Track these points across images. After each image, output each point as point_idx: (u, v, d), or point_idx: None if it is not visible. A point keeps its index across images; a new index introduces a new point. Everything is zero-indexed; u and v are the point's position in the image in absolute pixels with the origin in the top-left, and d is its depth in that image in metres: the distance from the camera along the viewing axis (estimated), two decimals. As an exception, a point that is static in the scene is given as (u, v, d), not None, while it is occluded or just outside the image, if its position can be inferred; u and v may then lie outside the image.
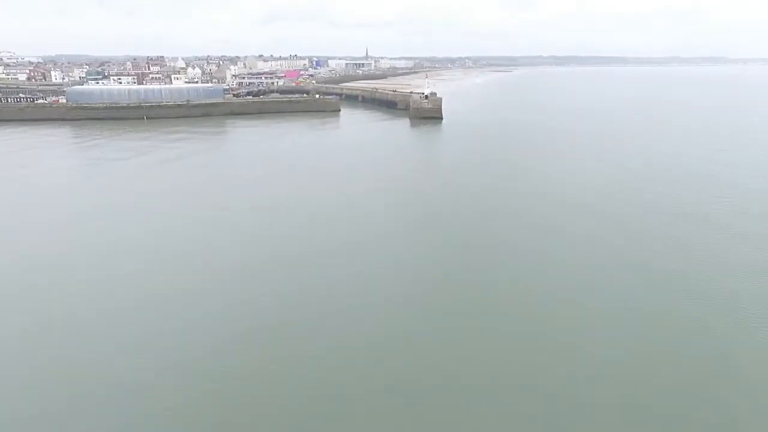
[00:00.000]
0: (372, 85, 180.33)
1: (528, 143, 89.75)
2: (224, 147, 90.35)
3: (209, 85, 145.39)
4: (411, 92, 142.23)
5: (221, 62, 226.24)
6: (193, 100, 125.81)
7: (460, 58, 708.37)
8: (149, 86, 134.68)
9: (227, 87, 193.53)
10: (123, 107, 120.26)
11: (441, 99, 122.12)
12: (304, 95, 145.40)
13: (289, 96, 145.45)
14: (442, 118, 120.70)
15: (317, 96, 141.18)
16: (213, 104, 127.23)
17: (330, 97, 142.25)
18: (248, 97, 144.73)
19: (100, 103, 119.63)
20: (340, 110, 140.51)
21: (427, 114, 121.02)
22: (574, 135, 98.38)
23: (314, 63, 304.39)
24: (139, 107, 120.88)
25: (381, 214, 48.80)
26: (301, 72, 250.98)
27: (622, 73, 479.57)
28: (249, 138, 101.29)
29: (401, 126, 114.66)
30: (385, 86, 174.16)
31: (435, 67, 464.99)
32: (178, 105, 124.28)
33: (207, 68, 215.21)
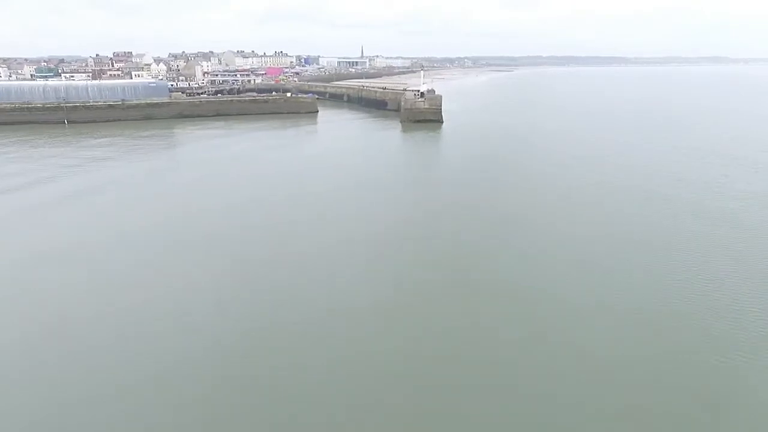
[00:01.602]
0: (359, 83, 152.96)
1: (558, 157, 62.58)
2: (157, 174, 61.79)
3: (150, 80, 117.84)
4: (404, 89, 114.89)
5: (191, 58, 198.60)
6: (129, 99, 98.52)
7: (459, 58, 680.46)
8: (73, 82, 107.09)
9: (196, 85, 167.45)
10: (37, 108, 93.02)
11: (441, 97, 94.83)
12: (273, 93, 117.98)
13: (256, 95, 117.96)
14: (441, 121, 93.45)
15: (289, 95, 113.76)
16: (155, 104, 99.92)
17: (305, 96, 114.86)
18: (202, 95, 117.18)
19: (6, 104, 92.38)
20: (317, 111, 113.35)
21: (423, 116, 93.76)
22: (607, 143, 71.31)
23: (302, 61, 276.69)
24: (58, 108, 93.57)
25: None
26: (285, 70, 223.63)
27: (624, 73, 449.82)
28: (187, 157, 74.11)
29: (390, 132, 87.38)
30: (375, 84, 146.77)
31: (434, 67, 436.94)
32: (110, 106, 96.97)
33: (174, 64, 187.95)
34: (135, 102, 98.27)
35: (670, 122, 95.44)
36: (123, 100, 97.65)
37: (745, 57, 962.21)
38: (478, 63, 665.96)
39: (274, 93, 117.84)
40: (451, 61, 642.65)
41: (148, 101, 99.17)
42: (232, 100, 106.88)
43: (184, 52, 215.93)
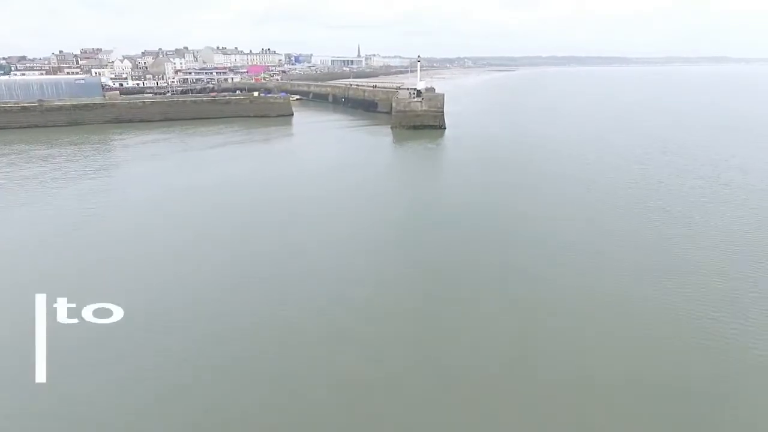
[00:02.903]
0: (347, 82, 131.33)
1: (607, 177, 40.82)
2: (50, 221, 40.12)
3: (78, 76, 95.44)
4: (397, 87, 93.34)
5: (160, 54, 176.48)
6: (50, 99, 76.68)
7: (459, 59, 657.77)
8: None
9: (165, 84, 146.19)
10: (-75, 112, 71.27)
11: (443, 97, 73.20)
12: (238, 93, 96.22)
13: (213, 95, 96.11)
14: (443, 127, 71.98)
15: (256, 93, 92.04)
16: (84, 107, 78.10)
17: (277, 96, 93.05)
18: (148, 94, 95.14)
19: None
20: (292, 114, 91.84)
21: (420, 121, 72.19)
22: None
23: (292, 59, 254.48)
24: (-48, 112, 71.82)
25: None
26: (272, 68, 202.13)
27: (627, 73, 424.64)
28: (101, 194, 52.18)
29: (377, 142, 65.87)
30: (364, 82, 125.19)
31: (433, 66, 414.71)
32: (24, 108, 75.12)
33: (142, 61, 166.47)
34: (58, 103, 76.41)
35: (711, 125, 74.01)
36: (41, 100, 75.75)
37: (746, 57, 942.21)
38: (478, 63, 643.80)
39: (238, 92, 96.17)
40: (450, 61, 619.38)
41: (75, 102, 77.25)
42: (185, 101, 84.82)
43: (161, 48, 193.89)
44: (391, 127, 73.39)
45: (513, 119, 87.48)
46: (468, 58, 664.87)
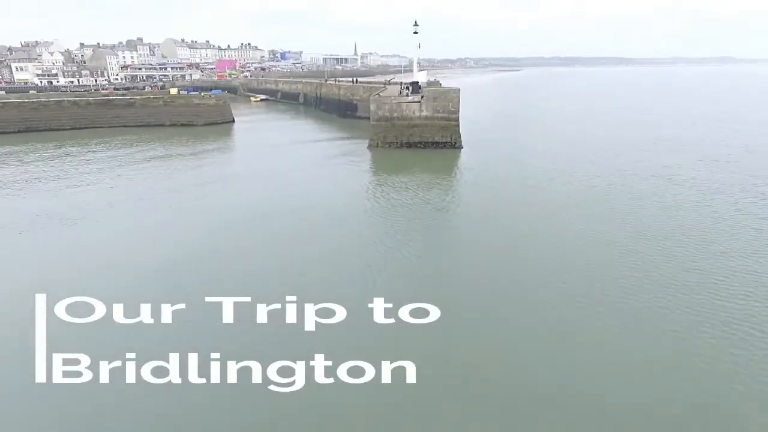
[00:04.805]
0: (321, 79, 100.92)
1: None
2: None
3: None
4: (387, 82, 62.87)
5: (100, 45, 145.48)
6: None
7: (461, 59, 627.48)
8: None
9: (106, 82, 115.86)
10: None
11: (458, 94, 42.35)
12: (147, 90, 65.68)
13: (105, 92, 65.63)
14: (459, 146, 41.50)
15: (174, 91, 61.70)
16: None
17: (209, 94, 62.24)
18: None
19: None
20: (232, 121, 61.43)
21: (418, 134, 41.62)
22: None
23: (278, 55, 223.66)
24: None
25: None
26: (248, 64, 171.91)
27: (633, 73, 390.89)
28: None
29: (339, 183, 35.22)
30: (343, 79, 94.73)
31: (434, 66, 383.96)
32: None
33: (78, 54, 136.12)
34: None
35: None
36: None
37: (750, 57, 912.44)
38: (480, 63, 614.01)
39: (147, 89, 65.99)
40: (452, 61, 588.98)
41: None
42: (60, 102, 54.09)
43: (121, 42, 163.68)
44: (369, 146, 42.88)
45: (558, 134, 56.84)
46: (470, 59, 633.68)
